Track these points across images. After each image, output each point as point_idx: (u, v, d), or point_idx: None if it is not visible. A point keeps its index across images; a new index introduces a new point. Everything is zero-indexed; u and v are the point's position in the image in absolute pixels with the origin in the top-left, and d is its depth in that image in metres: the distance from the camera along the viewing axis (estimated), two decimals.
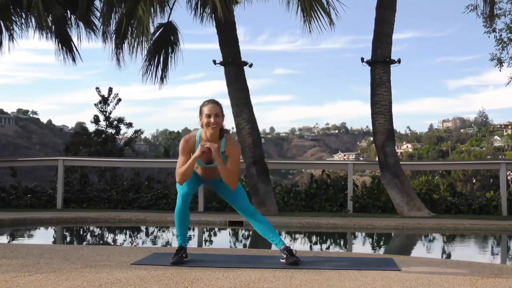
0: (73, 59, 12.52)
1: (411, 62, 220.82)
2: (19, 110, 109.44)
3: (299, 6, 9.88)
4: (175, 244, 7.14)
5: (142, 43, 10.27)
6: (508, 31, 15.55)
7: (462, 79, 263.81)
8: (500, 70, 15.89)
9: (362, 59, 10.97)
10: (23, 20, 12.06)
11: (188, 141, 4.28)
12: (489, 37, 15.62)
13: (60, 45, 12.37)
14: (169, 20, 11.92)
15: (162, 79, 12.03)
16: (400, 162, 11.05)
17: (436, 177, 15.74)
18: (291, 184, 13.58)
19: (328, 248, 7.39)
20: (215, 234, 8.78)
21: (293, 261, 4.19)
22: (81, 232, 9.08)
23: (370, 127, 11.86)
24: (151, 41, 11.65)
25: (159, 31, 11.83)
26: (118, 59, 11.31)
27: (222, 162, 4.21)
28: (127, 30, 10.71)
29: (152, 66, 11.89)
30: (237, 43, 11.16)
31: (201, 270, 3.94)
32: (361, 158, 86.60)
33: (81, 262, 4.28)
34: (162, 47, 11.90)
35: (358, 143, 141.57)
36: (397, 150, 12.10)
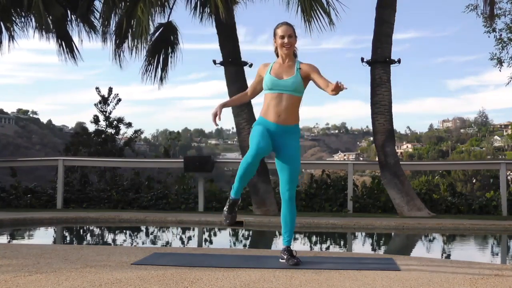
0: (74, 59, 12.54)
1: (412, 62, 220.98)
2: (19, 110, 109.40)
3: (299, 6, 9.88)
4: (175, 244, 7.15)
5: (141, 44, 10.27)
6: (508, 31, 15.55)
7: (462, 79, 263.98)
8: (500, 70, 15.90)
9: (362, 59, 10.97)
10: (23, 20, 12.07)
11: (265, 64, 4.42)
12: (489, 37, 15.64)
13: (60, 45, 12.37)
14: (169, 20, 11.94)
15: (161, 79, 12.05)
16: (400, 162, 11.05)
17: (436, 177, 15.74)
18: None
19: (328, 248, 7.39)
20: (215, 234, 8.78)
21: (294, 262, 4.19)
22: (81, 232, 9.08)
23: (370, 127, 11.86)
24: (151, 41, 11.66)
25: (159, 31, 11.83)
26: (118, 59, 11.32)
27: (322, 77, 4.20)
28: (127, 31, 10.71)
29: (152, 66, 11.90)
30: (237, 43, 11.16)
31: (201, 270, 3.94)
32: (361, 158, 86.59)
33: (81, 262, 4.28)
34: (162, 47, 11.91)
35: (358, 143, 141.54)
36: (397, 150, 12.10)
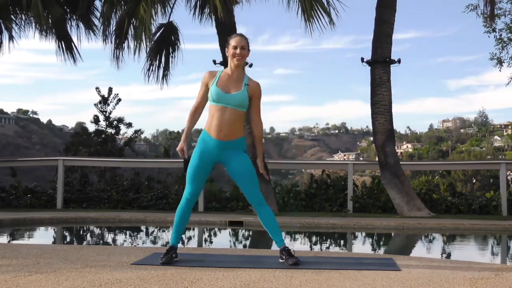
0: (74, 59, 12.54)
1: (412, 62, 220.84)
2: (19, 110, 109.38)
3: (300, 6, 9.88)
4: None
5: (143, 43, 10.28)
6: (508, 31, 15.56)
7: (462, 79, 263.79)
8: (500, 70, 15.91)
9: (362, 59, 10.97)
10: (23, 20, 12.08)
11: (210, 72, 4.34)
12: (489, 37, 15.65)
13: (60, 45, 12.37)
14: (170, 20, 11.95)
15: (163, 78, 12.07)
16: (400, 162, 11.06)
17: (436, 177, 15.74)
18: (291, 184, 13.59)
19: (328, 248, 7.39)
20: (215, 234, 8.78)
21: (293, 262, 4.18)
22: (81, 232, 9.08)
23: (370, 127, 11.87)
24: (153, 42, 11.67)
25: (160, 31, 11.85)
26: (117, 59, 11.32)
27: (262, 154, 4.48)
28: (128, 30, 10.71)
29: (154, 66, 11.92)
30: None
31: (201, 270, 3.94)
32: (361, 158, 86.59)
33: (81, 262, 4.28)
34: (163, 47, 11.92)
35: (358, 143, 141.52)
36: (397, 150, 12.11)
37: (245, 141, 4.39)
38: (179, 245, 4.47)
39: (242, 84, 4.23)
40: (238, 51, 4.23)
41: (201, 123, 4.54)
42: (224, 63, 11.01)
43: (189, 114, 4.41)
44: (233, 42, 4.27)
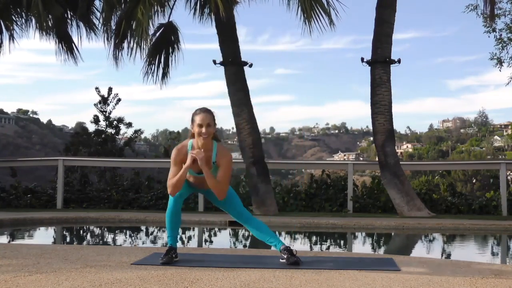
0: (74, 59, 12.53)
1: (412, 62, 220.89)
2: (19, 110, 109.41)
3: (300, 7, 9.88)
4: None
5: (141, 44, 10.27)
6: (508, 31, 15.56)
7: (463, 79, 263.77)
8: (500, 70, 15.91)
9: (362, 59, 10.97)
10: (23, 20, 12.07)
11: (180, 150, 4.25)
12: (489, 36, 15.65)
13: (60, 45, 12.37)
14: (170, 20, 11.93)
15: (163, 78, 12.04)
16: (400, 162, 11.05)
17: (436, 177, 15.74)
18: (291, 184, 13.59)
19: (328, 248, 7.39)
20: (215, 234, 8.78)
21: (294, 261, 4.19)
22: (81, 232, 9.08)
23: (370, 127, 11.86)
24: (152, 41, 11.65)
25: (160, 31, 11.83)
26: (117, 59, 11.31)
27: (209, 172, 4.18)
28: (126, 31, 10.71)
29: (153, 66, 11.90)
30: (237, 43, 11.16)
31: (201, 270, 3.94)
32: (361, 158, 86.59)
33: (81, 262, 4.28)
34: (163, 47, 11.91)
35: (358, 143, 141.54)
36: (397, 150, 12.11)
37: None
38: (179, 245, 4.47)
39: (211, 163, 4.24)
40: (204, 129, 4.15)
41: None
42: (225, 63, 11.02)
43: (171, 189, 4.29)
44: (197, 119, 4.18)
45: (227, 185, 4.31)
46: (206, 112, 4.23)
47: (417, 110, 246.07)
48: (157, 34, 11.80)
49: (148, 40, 10.47)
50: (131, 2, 10.47)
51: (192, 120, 4.23)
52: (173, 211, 4.36)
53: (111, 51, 11.33)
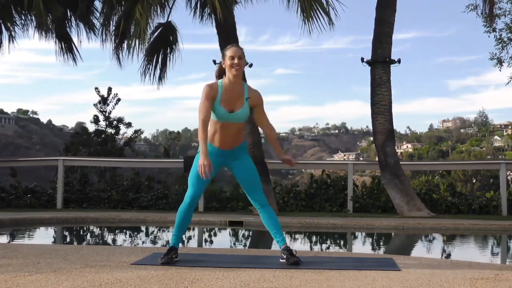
0: (74, 59, 12.55)
1: (413, 62, 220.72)
2: (19, 110, 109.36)
3: (299, 6, 9.89)
4: None
5: (139, 45, 10.27)
6: (508, 31, 15.55)
7: (463, 79, 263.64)
8: (500, 70, 15.90)
9: (362, 59, 10.98)
10: (23, 20, 12.08)
11: (212, 86, 4.25)
12: (489, 36, 15.63)
13: (60, 45, 12.38)
14: (169, 20, 11.94)
15: (160, 79, 12.04)
16: (400, 162, 11.06)
17: (436, 177, 15.74)
18: (291, 184, 13.60)
19: (328, 248, 7.39)
20: (215, 234, 8.78)
21: (294, 261, 4.19)
22: (81, 232, 9.08)
23: (370, 127, 11.87)
24: (150, 41, 11.66)
25: (158, 31, 11.83)
26: (118, 59, 11.32)
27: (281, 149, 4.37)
28: (124, 31, 10.71)
29: (151, 66, 11.90)
30: (237, 43, 11.16)
31: (201, 270, 3.94)
32: (361, 158, 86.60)
33: (81, 262, 4.28)
34: (161, 47, 11.91)
35: (358, 143, 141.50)
36: (397, 150, 12.11)
37: (246, 145, 4.48)
38: (179, 245, 4.47)
39: (244, 99, 4.24)
40: (236, 61, 4.20)
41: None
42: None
43: (200, 128, 4.14)
44: (229, 52, 4.25)
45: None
46: (237, 46, 4.35)
47: (417, 110, 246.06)
48: (156, 34, 11.80)
49: (146, 40, 10.47)
50: (129, 1, 10.46)
51: (223, 55, 4.29)
52: (187, 210, 4.30)
53: (113, 51, 11.34)
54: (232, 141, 4.29)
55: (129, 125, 16.81)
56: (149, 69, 11.88)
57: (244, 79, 4.44)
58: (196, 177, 4.27)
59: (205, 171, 4.06)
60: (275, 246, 4.46)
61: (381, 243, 8.21)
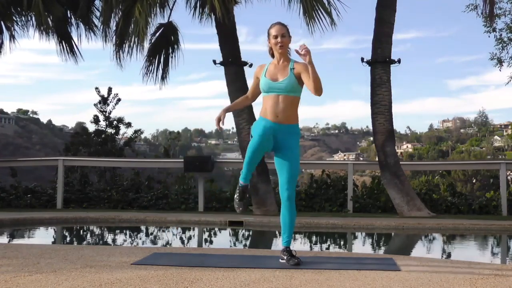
0: (74, 59, 12.54)
1: (413, 62, 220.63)
2: (19, 110, 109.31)
3: (301, 7, 9.88)
4: (175, 244, 7.15)
5: (139, 44, 10.27)
6: (508, 30, 15.54)
7: (463, 79, 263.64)
8: (500, 70, 15.89)
9: (362, 59, 10.97)
10: (23, 20, 12.08)
11: (261, 66, 4.46)
12: (489, 36, 15.62)
13: (60, 44, 12.38)
14: (169, 20, 11.93)
15: (163, 79, 12.04)
16: (400, 162, 11.06)
17: (436, 177, 15.73)
18: None
19: (328, 248, 7.39)
20: (215, 234, 8.78)
21: (294, 262, 4.19)
22: (81, 232, 9.08)
23: (370, 127, 11.87)
24: (151, 41, 11.66)
25: (160, 31, 11.83)
26: (118, 59, 11.30)
27: (312, 61, 4.08)
28: (125, 31, 10.70)
29: (153, 66, 11.90)
30: (237, 43, 11.16)
31: (201, 270, 3.94)
32: (361, 158, 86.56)
33: (81, 262, 4.28)
34: (163, 47, 11.91)
35: (358, 143, 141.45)
36: (397, 150, 12.11)
37: (299, 130, 4.46)
38: (179, 245, 4.47)
39: (289, 70, 4.31)
40: (279, 39, 4.30)
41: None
42: (225, 63, 11.01)
43: (241, 97, 4.66)
44: (273, 31, 4.35)
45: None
46: (280, 24, 4.40)
47: (417, 110, 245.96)
48: (157, 34, 11.80)
49: (146, 39, 10.46)
50: (128, 1, 10.45)
51: (268, 34, 4.39)
52: (256, 148, 4.26)
53: (113, 51, 11.32)
54: (284, 117, 4.26)
55: (129, 125, 16.80)
56: (151, 69, 11.89)
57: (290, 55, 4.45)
58: (259, 125, 4.28)
59: (216, 120, 4.37)
60: (275, 246, 4.46)
61: (381, 243, 8.21)
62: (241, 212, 4.47)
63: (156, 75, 11.92)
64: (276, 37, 4.31)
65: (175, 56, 11.97)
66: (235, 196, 4.48)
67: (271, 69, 4.35)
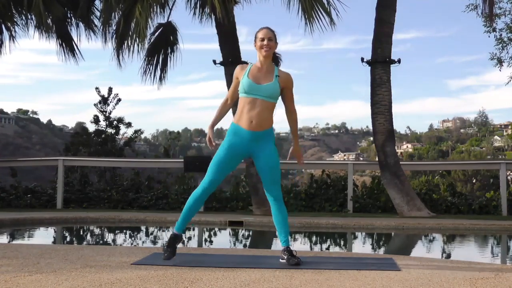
0: (74, 59, 12.54)
1: (413, 62, 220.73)
2: (19, 110, 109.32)
3: (300, 6, 9.88)
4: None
5: (139, 45, 10.26)
6: (508, 30, 15.54)
7: (463, 79, 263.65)
8: (500, 70, 15.90)
9: (362, 59, 10.98)
10: (24, 20, 12.07)
11: (242, 66, 4.41)
12: (489, 36, 15.63)
13: (61, 45, 12.37)
14: (169, 20, 11.93)
15: (161, 79, 12.03)
16: (400, 162, 11.06)
17: (436, 177, 15.74)
18: (291, 184, 13.60)
19: (328, 248, 7.39)
20: (215, 234, 8.78)
21: (294, 262, 4.18)
22: (81, 232, 9.08)
23: (370, 127, 11.87)
24: (150, 41, 11.65)
25: (159, 31, 11.82)
26: (118, 59, 11.30)
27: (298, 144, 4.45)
28: (125, 31, 10.70)
29: (151, 66, 11.89)
30: (237, 43, 11.15)
31: (201, 270, 3.94)
32: (361, 158, 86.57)
33: (81, 262, 4.28)
34: (161, 47, 11.90)
35: (358, 143, 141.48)
36: (397, 150, 12.11)
37: (274, 133, 4.46)
38: (179, 245, 4.46)
39: (273, 76, 4.28)
40: (265, 42, 4.27)
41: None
42: (225, 63, 11.01)
43: (219, 105, 4.51)
44: (260, 34, 4.32)
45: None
46: (268, 28, 4.38)
47: (417, 110, 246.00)
48: (156, 34, 11.79)
49: (146, 39, 10.46)
50: (129, 1, 10.45)
51: (255, 37, 4.36)
52: (199, 198, 4.27)
53: (114, 51, 11.32)
54: (259, 122, 4.23)
55: (129, 125, 16.81)
56: (149, 69, 11.87)
57: (277, 62, 4.51)
58: (218, 164, 4.27)
59: (208, 142, 4.39)
60: (275, 246, 4.46)
61: (381, 243, 8.21)
62: (166, 258, 4.21)
63: (154, 75, 11.91)
64: (263, 39, 4.28)
65: (174, 56, 11.96)
66: (165, 243, 4.37)
67: (254, 71, 4.29)
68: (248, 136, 4.25)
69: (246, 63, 11.01)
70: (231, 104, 4.52)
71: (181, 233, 4.35)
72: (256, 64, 4.36)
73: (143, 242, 7.90)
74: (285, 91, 4.34)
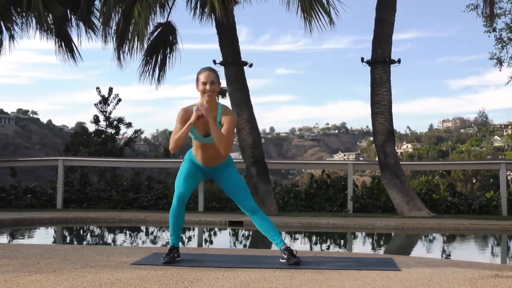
0: (74, 59, 12.53)
1: (413, 62, 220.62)
2: (19, 110, 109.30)
3: (299, 6, 9.88)
4: None
5: (138, 45, 10.26)
6: (508, 30, 15.53)
7: (463, 79, 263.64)
8: (500, 70, 15.89)
9: (362, 59, 10.98)
10: (23, 20, 12.07)
11: (186, 110, 4.23)
12: (489, 36, 15.62)
13: (60, 45, 12.37)
14: (168, 20, 11.92)
15: (159, 79, 12.00)
16: (400, 162, 11.06)
17: (436, 177, 15.73)
18: (291, 184, 13.59)
19: (328, 248, 7.39)
20: (215, 234, 8.78)
21: (294, 261, 4.19)
22: (81, 232, 9.08)
23: (370, 127, 11.87)
24: (149, 41, 11.63)
25: (158, 31, 11.80)
26: (118, 59, 11.29)
27: (215, 122, 4.11)
28: (125, 31, 10.70)
29: (150, 66, 11.86)
30: (237, 43, 11.15)
31: (201, 270, 3.94)
32: (361, 158, 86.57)
33: (81, 262, 4.28)
34: (160, 47, 11.88)
35: (358, 143, 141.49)
36: (397, 150, 12.11)
37: (232, 159, 4.50)
38: (179, 245, 4.47)
39: (216, 123, 4.16)
40: (208, 87, 4.17)
41: None
42: (225, 63, 11.02)
43: (172, 142, 4.22)
44: (201, 78, 4.21)
45: (231, 142, 4.30)
46: (210, 70, 4.27)
47: (417, 110, 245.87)
48: (155, 34, 11.77)
49: (145, 39, 10.45)
50: (129, 1, 10.45)
51: (197, 79, 4.26)
52: (177, 210, 4.36)
53: (114, 51, 11.31)
54: (214, 160, 4.32)
55: (129, 125, 16.81)
56: (147, 69, 11.85)
57: (223, 93, 4.38)
58: (182, 179, 4.34)
59: (201, 107, 4.13)
60: (275, 246, 4.46)
61: (381, 243, 8.21)
62: (165, 262, 4.22)
63: (153, 75, 11.89)
64: (205, 83, 4.17)
65: (173, 56, 11.95)
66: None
67: (199, 121, 4.14)
68: (205, 169, 4.38)
69: (246, 63, 11.11)
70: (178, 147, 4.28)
71: (177, 245, 4.43)
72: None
73: (143, 242, 7.90)
74: (224, 125, 4.19)
